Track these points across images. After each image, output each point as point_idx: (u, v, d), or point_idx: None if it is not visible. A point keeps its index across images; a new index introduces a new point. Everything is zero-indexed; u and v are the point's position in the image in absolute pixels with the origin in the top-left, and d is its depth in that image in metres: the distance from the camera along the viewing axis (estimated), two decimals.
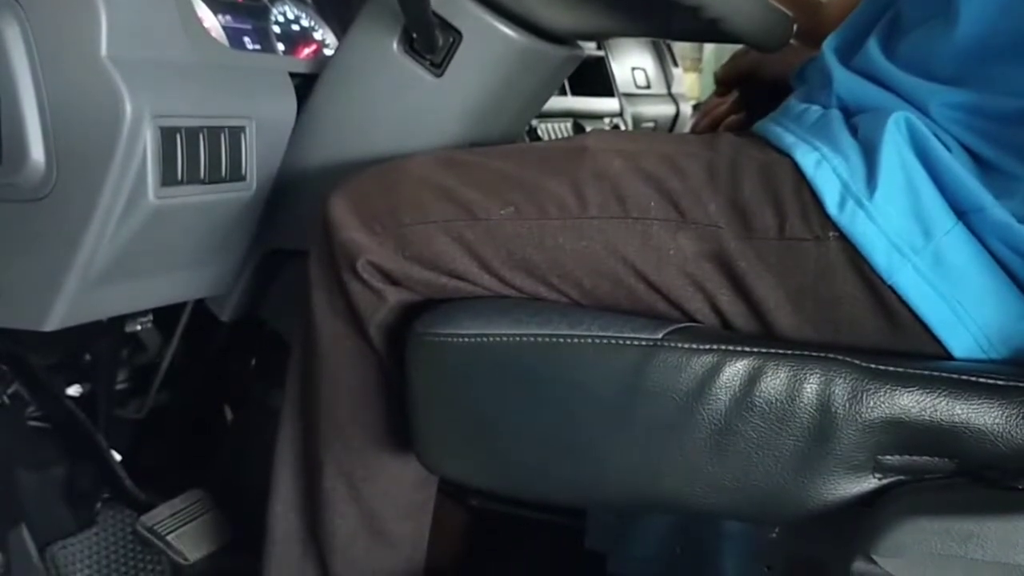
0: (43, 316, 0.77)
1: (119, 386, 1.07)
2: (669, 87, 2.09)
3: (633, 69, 1.94)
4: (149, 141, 0.75)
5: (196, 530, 1.03)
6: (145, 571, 1.04)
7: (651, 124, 1.97)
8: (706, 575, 0.76)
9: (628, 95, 1.85)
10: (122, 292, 0.83)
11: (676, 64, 2.17)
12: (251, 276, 0.99)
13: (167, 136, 0.76)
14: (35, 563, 0.98)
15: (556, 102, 1.51)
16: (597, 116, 1.67)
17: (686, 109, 2.11)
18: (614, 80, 1.75)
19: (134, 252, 0.79)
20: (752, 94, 1.46)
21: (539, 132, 1.43)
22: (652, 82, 2.02)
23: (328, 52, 1.19)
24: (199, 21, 0.85)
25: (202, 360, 1.07)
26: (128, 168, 0.74)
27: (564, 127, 1.52)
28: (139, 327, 1.01)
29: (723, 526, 0.76)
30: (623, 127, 1.72)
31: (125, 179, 0.75)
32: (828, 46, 0.79)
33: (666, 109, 2.03)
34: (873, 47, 0.74)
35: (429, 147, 0.88)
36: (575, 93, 1.56)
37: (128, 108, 0.73)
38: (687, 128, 2.10)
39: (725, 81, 1.54)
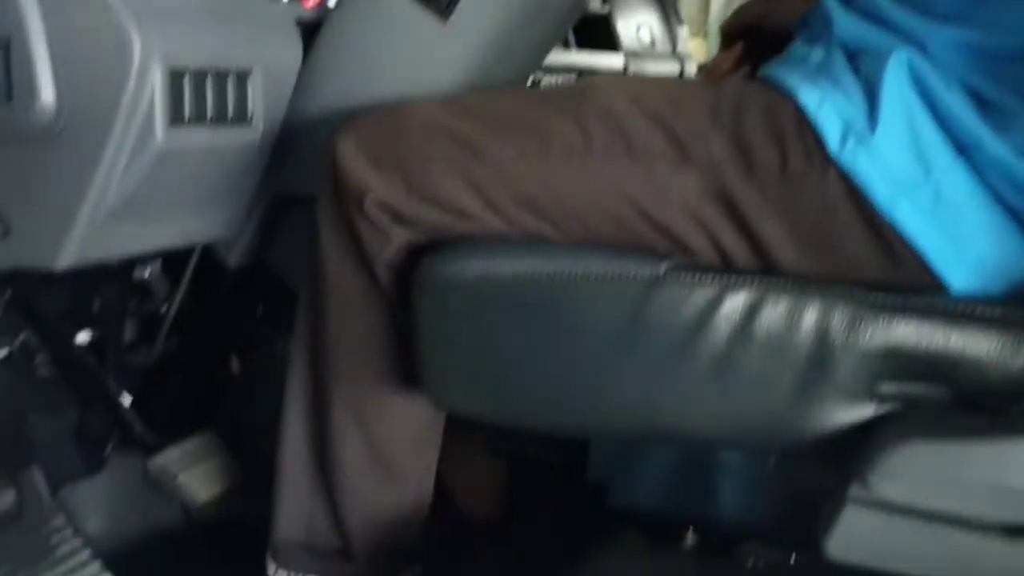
0: (54, 255, 0.79)
1: (127, 333, 1.09)
2: (674, 46, 2.08)
3: (638, 27, 1.93)
4: (157, 82, 0.75)
5: (206, 471, 1.05)
6: (155, 512, 1.06)
7: None
8: (705, 505, 0.77)
9: (633, 53, 1.84)
10: (131, 233, 0.84)
11: (681, 22, 2.16)
12: (258, 223, 1.00)
13: (174, 77, 0.77)
14: (47, 504, 1.00)
15: (560, 56, 1.52)
16: (602, 71, 1.66)
17: (691, 68, 2.10)
18: (618, 36, 1.75)
19: (143, 193, 0.80)
20: (757, 45, 1.46)
21: (543, 86, 1.43)
22: (657, 40, 2.01)
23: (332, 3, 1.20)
24: None
25: (209, 307, 1.09)
26: (137, 108, 0.75)
27: (569, 79, 1.52)
28: (147, 273, 1.02)
29: (721, 456, 0.78)
30: None
31: (134, 119, 0.75)
32: None
33: (671, 67, 2.02)
34: None
35: (435, 93, 0.88)
36: (580, 46, 1.56)
37: (137, 49, 0.73)
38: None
39: (730, 33, 1.54)
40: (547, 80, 1.43)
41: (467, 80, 0.90)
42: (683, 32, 2.17)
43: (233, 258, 1.01)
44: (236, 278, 1.05)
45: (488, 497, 1.08)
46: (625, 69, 1.76)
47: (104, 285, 1.02)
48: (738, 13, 1.33)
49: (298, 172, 0.93)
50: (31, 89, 0.75)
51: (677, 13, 2.16)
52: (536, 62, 1.07)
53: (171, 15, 0.78)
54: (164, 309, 1.07)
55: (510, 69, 0.97)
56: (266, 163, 0.92)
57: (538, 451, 0.97)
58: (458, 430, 0.87)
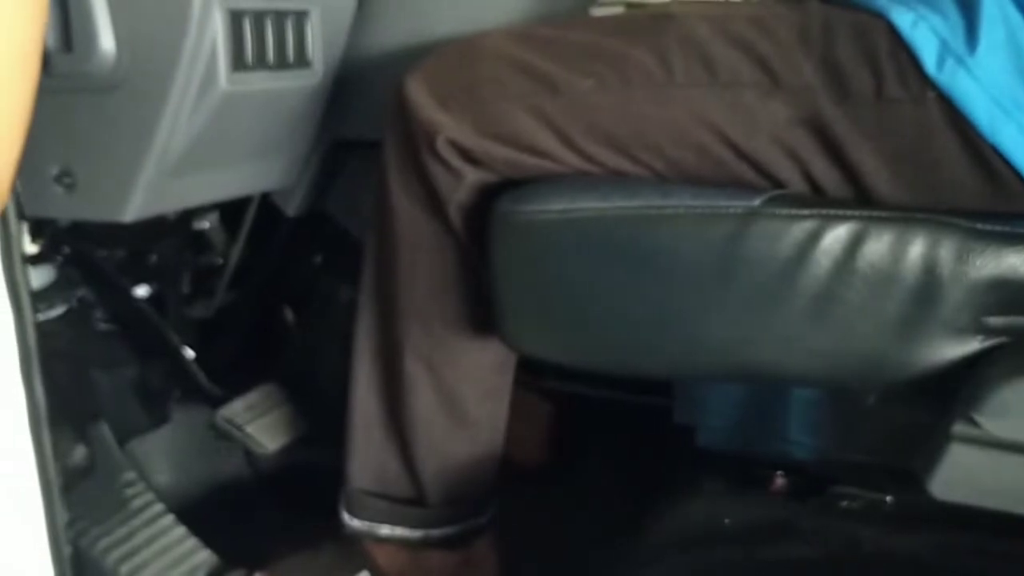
0: (122, 207, 0.77)
1: (186, 286, 1.08)
2: None
3: None
4: (219, 25, 0.73)
5: (272, 422, 1.05)
6: (223, 462, 1.07)
7: None
8: (793, 447, 0.76)
9: None
10: (194, 183, 0.83)
11: None
12: (317, 169, 0.98)
13: (235, 20, 0.75)
14: (117, 457, 1.00)
15: None
16: None
17: None
18: None
19: (206, 141, 0.79)
20: None
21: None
22: None
23: None
24: None
25: (269, 258, 1.07)
26: (199, 54, 0.73)
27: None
28: (206, 225, 1.01)
29: (811, 394, 0.76)
30: None
31: (196, 65, 0.74)
32: None
33: None
34: None
35: (496, 25, 0.85)
36: None
37: None
38: None
39: None
40: (600, 11, 1.39)
41: (530, 8, 0.88)
42: None
43: (292, 207, 1.00)
44: (295, 227, 1.03)
45: (537, 443, 1.07)
46: None
47: (162, 238, 1.02)
48: None
49: (360, 115, 0.91)
50: (90, 38, 0.73)
51: None
52: None
53: None
54: (223, 261, 1.06)
55: None
56: (326, 107, 0.90)
57: (610, 393, 0.95)
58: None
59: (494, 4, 0.86)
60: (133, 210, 0.78)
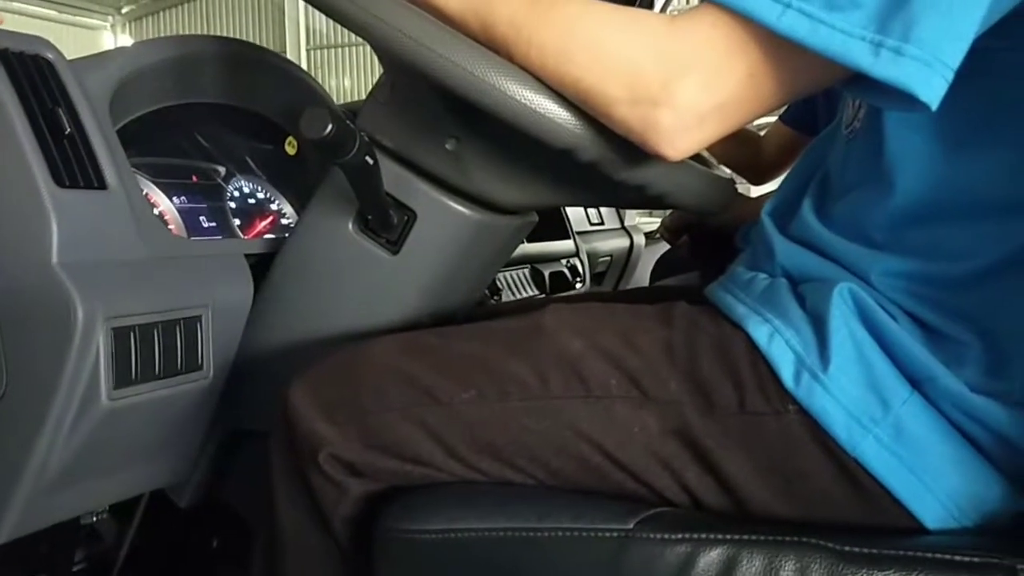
0: None
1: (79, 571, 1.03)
2: (622, 220, 2.14)
3: (586, 207, 1.98)
4: (102, 344, 0.74)
5: None
6: None
7: (607, 258, 2.01)
8: None
9: (582, 232, 1.88)
10: (76, 494, 0.81)
11: None
12: (210, 460, 0.97)
13: (120, 336, 0.76)
14: None
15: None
16: (554, 258, 1.69)
17: (640, 241, 2.15)
18: (569, 222, 1.79)
19: (88, 453, 0.77)
20: (701, 239, 1.50)
21: (498, 282, 1.44)
22: (605, 217, 2.06)
23: (285, 222, 1.21)
24: (152, 215, 0.86)
25: (161, 544, 1.04)
26: (81, 372, 0.73)
27: (522, 274, 1.54)
28: (95, 519, 0.98)
29: None
30: (580, 267, 1.75)
31: (78, 383, 0.73)
32: (766, 212, 0.80)
33: (620, 243, 2.07)
34: (807, 211, 0.75)
35: (388, 323, 0.88)
36: (531, 240, 1.59)
37: (80, 314, 0.72)
38: (641, 260, 2.14)
39: (674, 230, 1.59)
40: (501, 276, 1.44)
41: (421, 307, 0.90)
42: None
43: (184, 499, 0.97)
44: (190, 514, 1.00)
45: None
46: (577, 251, 1.79)
47: (51, 531, 0.98)
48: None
49: (253, 408, 0.91)
50: None
51: None
52: (490, 276, 1.07)
53: (115, 272, 0.77)
54: (115, 550, 1.02)
55: (464, 291, 0.97)
56: (218, 402, 0.89)
57: None
58: None
59: (384, 301, 0.89)
60: (7, 530, 0.75)
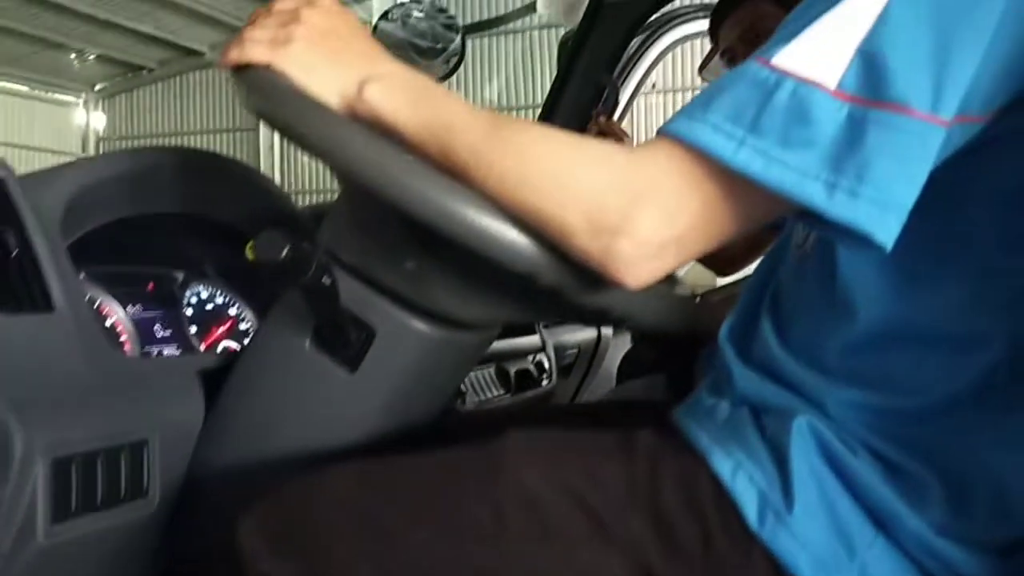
0: None
1: None
2: None
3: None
4: (40, 477, 0.71)
5: None
6: None
7: (574, 351, 1.99)
8: None
9: (548, 326, 1.87)
10: None
11: None
12: None
13: (60, 467, 0.72)
14: None
15: None
16: (520, 355, 1.67)
17: (607, 331, 2.14)
18: None
19: None
20: (664, 343, 1.50)
21: (462, 384, 1.42)
22: None
23: (244, 327, 1.19)
24: (100, 334, 0.83)
25: None
26: (16, 510, 0.70)
27: (487, 374, 1.52)
28: None
29: None
30: (546, 363, 1.73)
31: (12, 520, 0.70)
32: (724, 336, 0.78)
33: (587, 335, 2.06)
34: (768, 331, 0.74)
35: (346, 443, 0.85)
36: (496, 337, 1.57)
37: (19, 447, 0.69)
38: (609, 351, 2.13)
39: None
40: (466, 377, 1.42)
41: (380, 425, 0.88)
42: None
43: None
44: None
45: None
46: (543, 346, 1.77)
47: None
48: None
49: (201, 535, 0.87)
50: None
51: None
52: (452, 389, 1.05)
53: (58, 401, 0.74)
54: None
55: (424, 405, 0.95)
56: (162, 531, 0.86)
57: None
58: None
59: (341, 419, 0.86)
60: None
